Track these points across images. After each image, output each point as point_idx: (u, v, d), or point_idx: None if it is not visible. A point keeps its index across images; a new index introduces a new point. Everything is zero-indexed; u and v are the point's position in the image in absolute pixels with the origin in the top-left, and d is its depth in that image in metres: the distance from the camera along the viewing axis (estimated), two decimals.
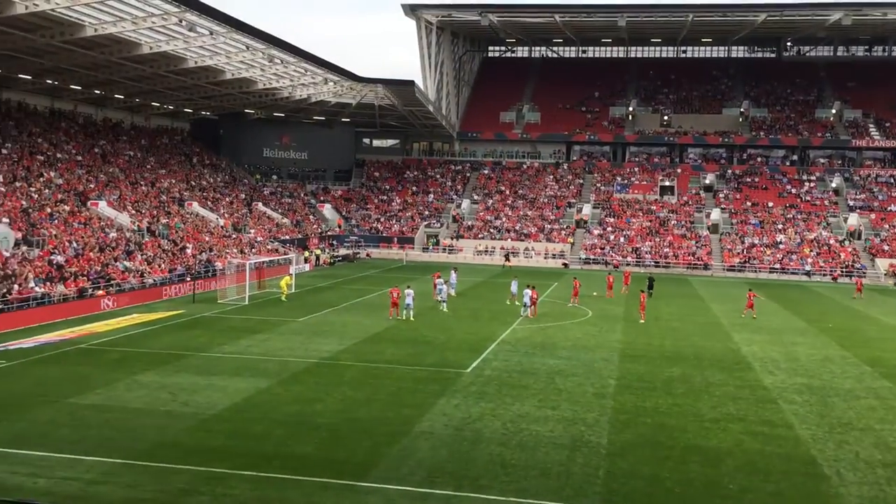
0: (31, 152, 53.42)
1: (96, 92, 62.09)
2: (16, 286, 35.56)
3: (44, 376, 24.59)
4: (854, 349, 32.72)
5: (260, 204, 74.57)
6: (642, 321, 38.29)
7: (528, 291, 39.71)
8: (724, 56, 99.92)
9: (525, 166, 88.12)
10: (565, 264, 70.14)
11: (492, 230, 76.69)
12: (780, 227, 73.78)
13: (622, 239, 73.69)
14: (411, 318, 37.08)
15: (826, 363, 29.71)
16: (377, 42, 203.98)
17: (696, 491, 16.08)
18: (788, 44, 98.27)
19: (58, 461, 16.93)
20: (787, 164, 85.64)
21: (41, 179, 50.37)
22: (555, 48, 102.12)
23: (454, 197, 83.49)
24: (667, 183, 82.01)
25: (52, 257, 40.56)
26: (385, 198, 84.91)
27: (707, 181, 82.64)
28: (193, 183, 69.10)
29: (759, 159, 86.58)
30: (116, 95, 64.00)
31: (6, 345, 29.36)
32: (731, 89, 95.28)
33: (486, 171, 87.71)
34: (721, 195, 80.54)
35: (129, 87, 60.66)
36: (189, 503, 14.84)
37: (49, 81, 57.08)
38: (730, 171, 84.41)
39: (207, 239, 56.36)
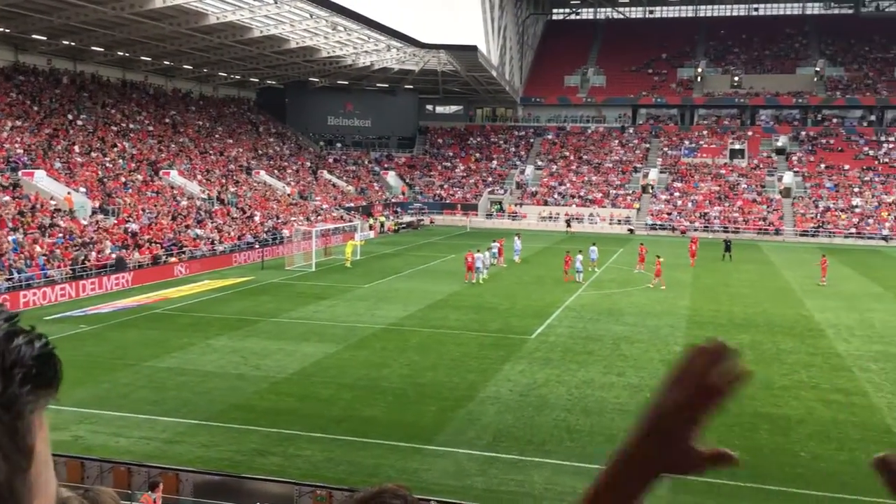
0: (106, 123, 54.91)
1: (166, 63, 63.37)
2: (93, 253, 36.86)
3: (122, 340, 25.53)
4: None
5: (325, 172, 75.36)
6: (650, 286, 37.06)
7: (580, 256, 39.40)
8: (798, 13, 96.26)
9: (590, 131, 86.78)
10: (631, 230, 69.25)
11: (556, 196, 76.04)
12: (856, 190, 71.29)
13: (690, 204, 72.28)
14: (480, 282, 37.53)
15: None
16: (439, 6, 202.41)
17: (766, 458, 15.86)
18: None
19: (137, 421, 17.64)
20: (865, 124, 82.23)
21: (115, 149, 51.81)
22: (621, 9, 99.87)
23: (518, 163, 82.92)
24: (737, 146, 79.81)
25: (127, 225, 41.86)
26: (448, 164, 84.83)
27: (779, 143, 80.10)
28: (260, 151, 70.20)
29: (834, 120, 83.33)
30: (185, 66, 65.23)
31: (85, 310, 30.53)
32: (805, 48, 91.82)
33: (549, 137, 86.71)
34: (794, 158, 78.07)
35: (197, 57, 61.71)
36: (262, 463, 15.31)
37: (120, 53, 58.43)
38: (803, 133, 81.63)
39: (274, 207, 57.34)
